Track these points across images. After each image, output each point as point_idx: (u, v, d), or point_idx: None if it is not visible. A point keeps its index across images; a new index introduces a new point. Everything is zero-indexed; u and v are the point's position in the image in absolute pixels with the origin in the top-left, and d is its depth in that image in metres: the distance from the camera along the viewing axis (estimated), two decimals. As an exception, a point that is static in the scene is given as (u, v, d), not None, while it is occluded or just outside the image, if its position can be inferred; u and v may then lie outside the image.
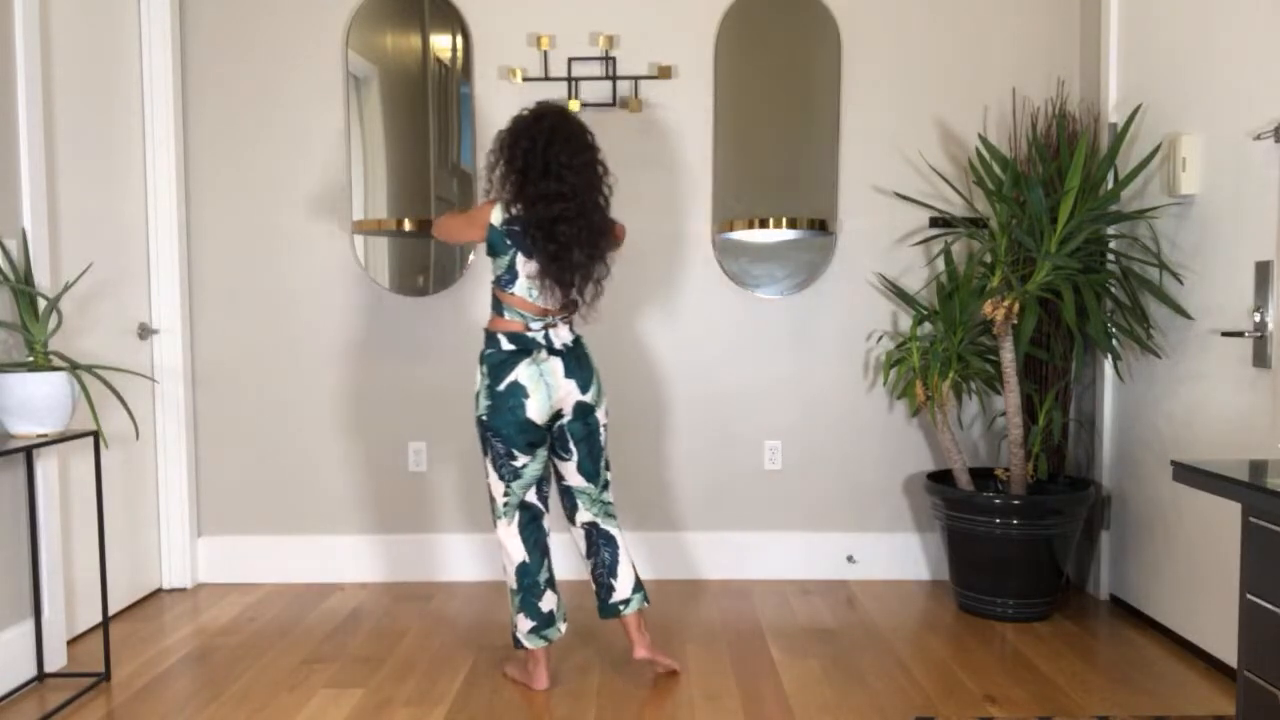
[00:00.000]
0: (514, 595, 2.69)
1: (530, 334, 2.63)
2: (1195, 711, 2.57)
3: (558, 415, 2.68)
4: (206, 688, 2.73)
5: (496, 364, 2.61)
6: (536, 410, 2.61)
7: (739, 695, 2.66)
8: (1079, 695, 2.66)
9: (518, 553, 2.68)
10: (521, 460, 2.64)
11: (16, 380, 2.53)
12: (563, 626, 2.72)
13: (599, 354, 3.64)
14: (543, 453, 2.69)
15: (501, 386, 2.60)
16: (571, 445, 2.69)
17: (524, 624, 2.67)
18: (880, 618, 3.31)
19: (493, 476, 2.67)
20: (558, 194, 2.53)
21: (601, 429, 2.74)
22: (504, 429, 2.61)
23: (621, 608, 2.71)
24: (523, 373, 2.60)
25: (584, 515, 2.75)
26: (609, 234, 2.66)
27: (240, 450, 3.74)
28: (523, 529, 2.69)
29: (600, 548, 2.74)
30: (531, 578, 2.67)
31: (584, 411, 2.68)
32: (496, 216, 2.61)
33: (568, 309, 2.66)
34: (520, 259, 2.60)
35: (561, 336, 2.66)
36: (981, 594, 3.30)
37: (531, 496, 2.71)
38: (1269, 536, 1.59)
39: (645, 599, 2.75)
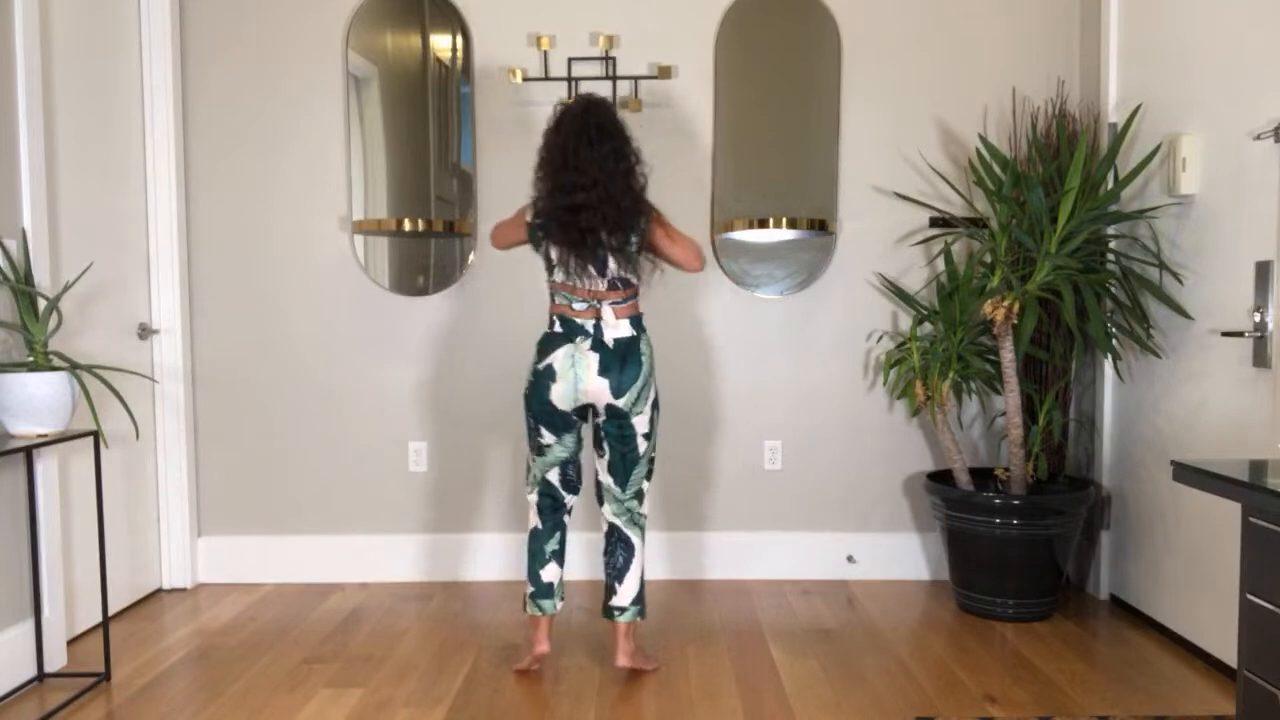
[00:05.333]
0: (527, 560, 2.85)
1: (576, 319, 2.70)
2: (1195, 711, 2.57)
3: (593, 409, 2.76)
4: (206, 688, 2.74)
5: (542, 343, 2.76)
6: (560, 396, 2.72)
7: (739, 695, 2.66)
8: (1079, 695, 2.66)
9: (533, 519, 2.85)
10: (547, 438, 2.79)
11: (16, 380, 2.53)
12: (559, 604, 2.81)
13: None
14: (570, 439, 2.80)
15: (541, 365, 2.74)
16: (605, 444, 2.78)
17: (528, 588, 2.82)
18: (880, 618, 3.31)
19: (527, 444, 2.86)
20: (577, 184, 2.64)
21: (639, 438, 2.76)
22: (533, 404, 2.76)
23: (616, 614, 2.79)
24: (559, 357, 2.72)
25: (609, 512, 2.82)
26: (640, 215, 2.69)
27: (240, 450, 3.74)
28: (540, 504, 2.84)
29: (617, 550, 2.80)
30: (539, 544, 2.82)
31: (616, 414, 2.73)
32: (530, 213, 2.76)
33: (617, 289, 2.70)
34: (552, 247, 2.71)
35: (614, 329, 2.70)
36: (981, 594, 3.30)
37: (553, 476, 2.81)
38: (1269, 536, 1.59)
39: (641, 613, 2.81)
